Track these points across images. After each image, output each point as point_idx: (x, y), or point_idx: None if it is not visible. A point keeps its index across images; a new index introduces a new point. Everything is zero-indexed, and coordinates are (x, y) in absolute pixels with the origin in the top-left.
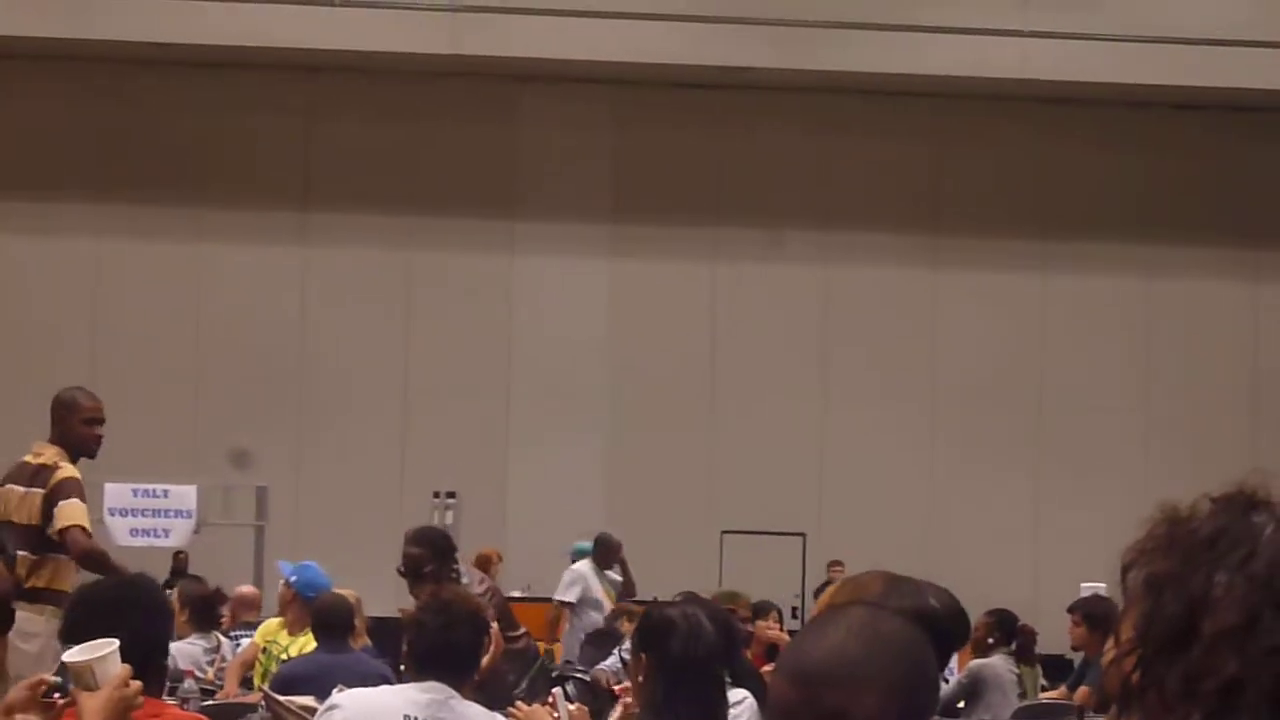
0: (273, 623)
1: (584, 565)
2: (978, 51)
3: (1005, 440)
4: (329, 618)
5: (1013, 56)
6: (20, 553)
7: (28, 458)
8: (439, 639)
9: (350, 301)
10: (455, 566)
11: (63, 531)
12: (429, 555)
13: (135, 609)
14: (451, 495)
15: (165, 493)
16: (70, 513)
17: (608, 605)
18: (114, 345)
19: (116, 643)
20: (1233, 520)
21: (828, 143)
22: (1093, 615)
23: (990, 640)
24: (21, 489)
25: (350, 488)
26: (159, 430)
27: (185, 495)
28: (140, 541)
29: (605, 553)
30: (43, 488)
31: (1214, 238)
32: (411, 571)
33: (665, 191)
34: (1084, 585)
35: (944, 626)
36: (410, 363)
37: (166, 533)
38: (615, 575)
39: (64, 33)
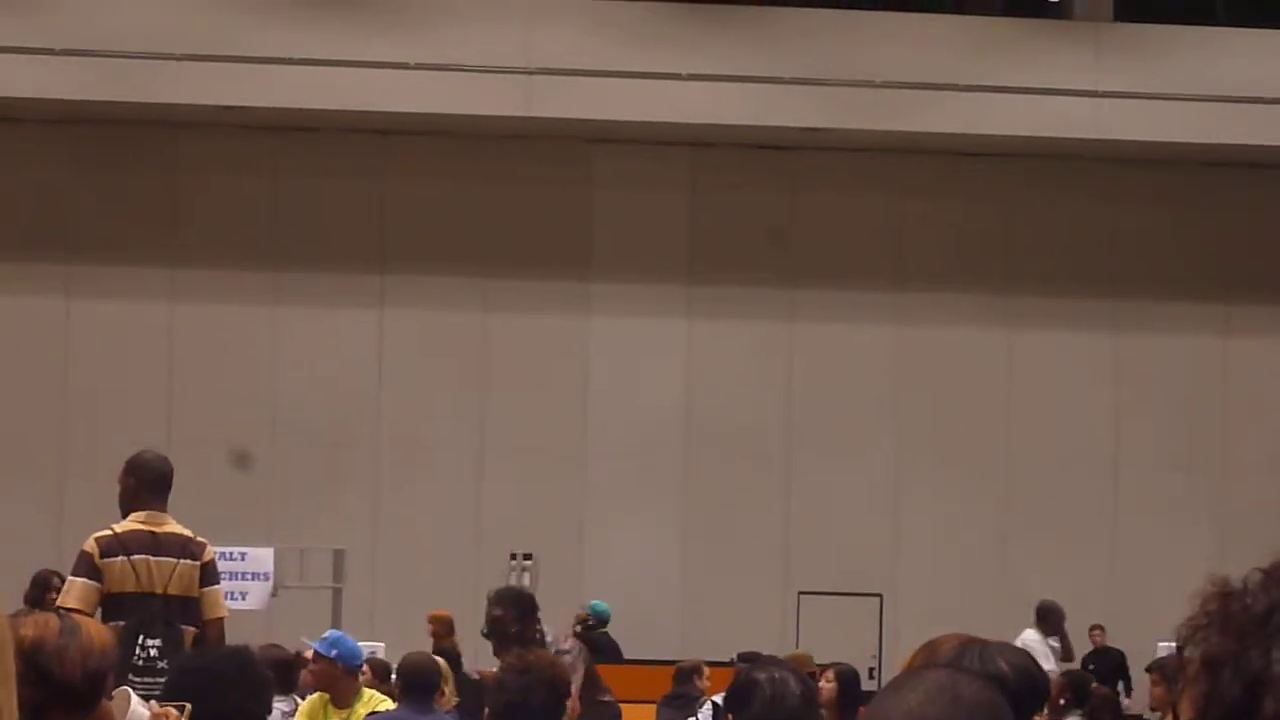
0: (315, 701)
1: (1031, 634)
2: (1051, 111)
3: (1078, 502)
4: (418, 677)
5: (1086, 117)
6: (188, 628)
7: (165, 527)
8: (518, 699)
9: (426, 363)
10: (539, 626)
11: (217, 621)
12: (514, 616)
13: (235, 683)
14: (528, 557)
15: (243, 555)
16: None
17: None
18: (190, 408)
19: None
20: None
21: (902, 203)
22: (1175, 674)
23: (1062, 701)
24: (173, 560)
25: (427, 550)
26: (236, 492)
27: (263, 558)
28: None
29: (1051, 620)
30: (195, 560)
31: None
32: (496, 632)
33: (740, 252)
34: (1160, 644)
35: (1013, 689)
36: (486, 424)
37: (244, 595)
38: (1054, 642)
39: (133, 96)
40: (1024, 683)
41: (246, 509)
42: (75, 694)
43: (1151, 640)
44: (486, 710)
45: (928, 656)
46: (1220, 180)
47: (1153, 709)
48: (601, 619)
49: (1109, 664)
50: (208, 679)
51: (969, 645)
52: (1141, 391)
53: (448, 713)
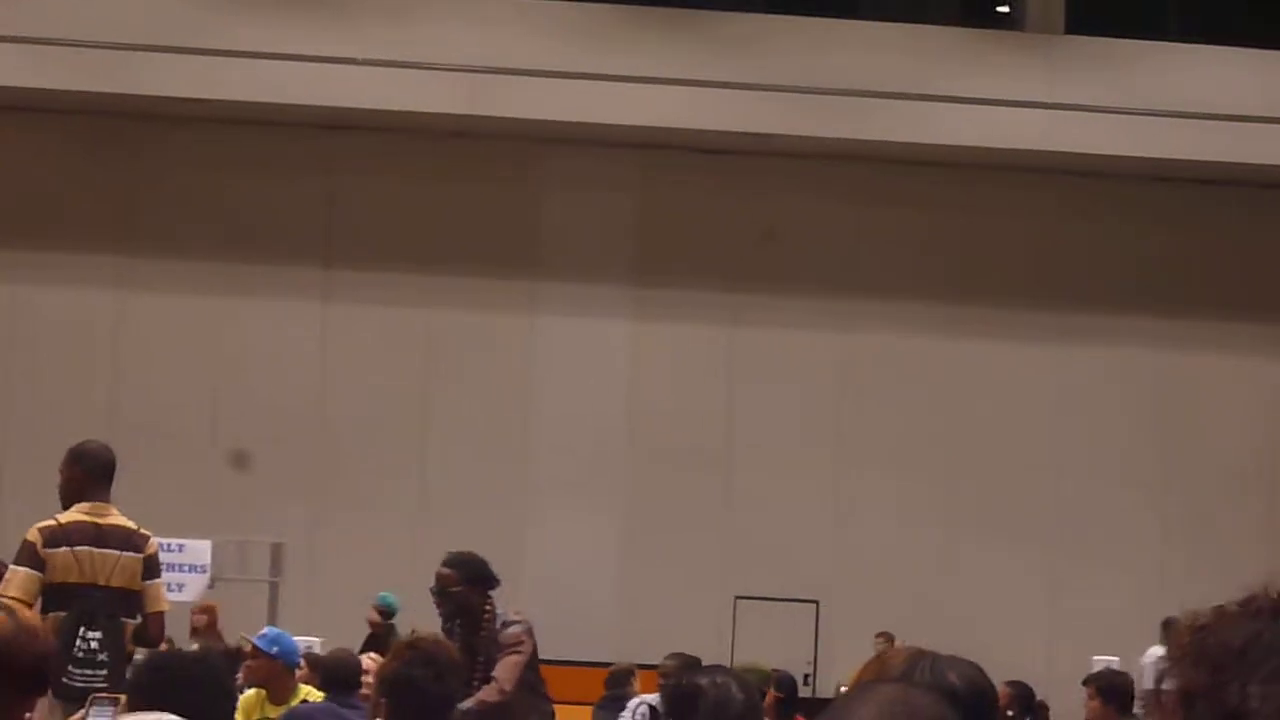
0: (252, 696)
1: (1159, 650)
2: (1002, 123)
3: (1020, 511)
4: (340, 671)
5: (1037, 128)
6: (128, 620)
7: (108, 519)
8: (433, 693)
9: (370, 358)
10: (490, 601)
11: (158, 615)
12: (458, 577)
13: (200, 687)
14: None
15: (180, 547)
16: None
17: None
18: (134, 397)
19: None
20: (1263, 627)
21: (851, 210)
22: (1108, 688)
23: (1010, 713)
24: (116, 552)
25: (366, 546)
26: (174, 484)
27: (200, 550)
28: None
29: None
30: (138, 552)
31: (1234, 314)
32: (440, 591)
33: (686, 255)
34: (1096, 658)
35: (964, 702)
36: (428, 421)
37: (181, 587)
38: None
39: (85, 86)
40: (974, 695)
41: (185, 500)
42: (29, 680)
43: (1088, 656)
44: (385, 702)
45: (878, 670)
46: (1170, 194)
47: None
48: (390, 611)
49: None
50: (173, 680)
51: (919, 658)
52: (1085, 402)
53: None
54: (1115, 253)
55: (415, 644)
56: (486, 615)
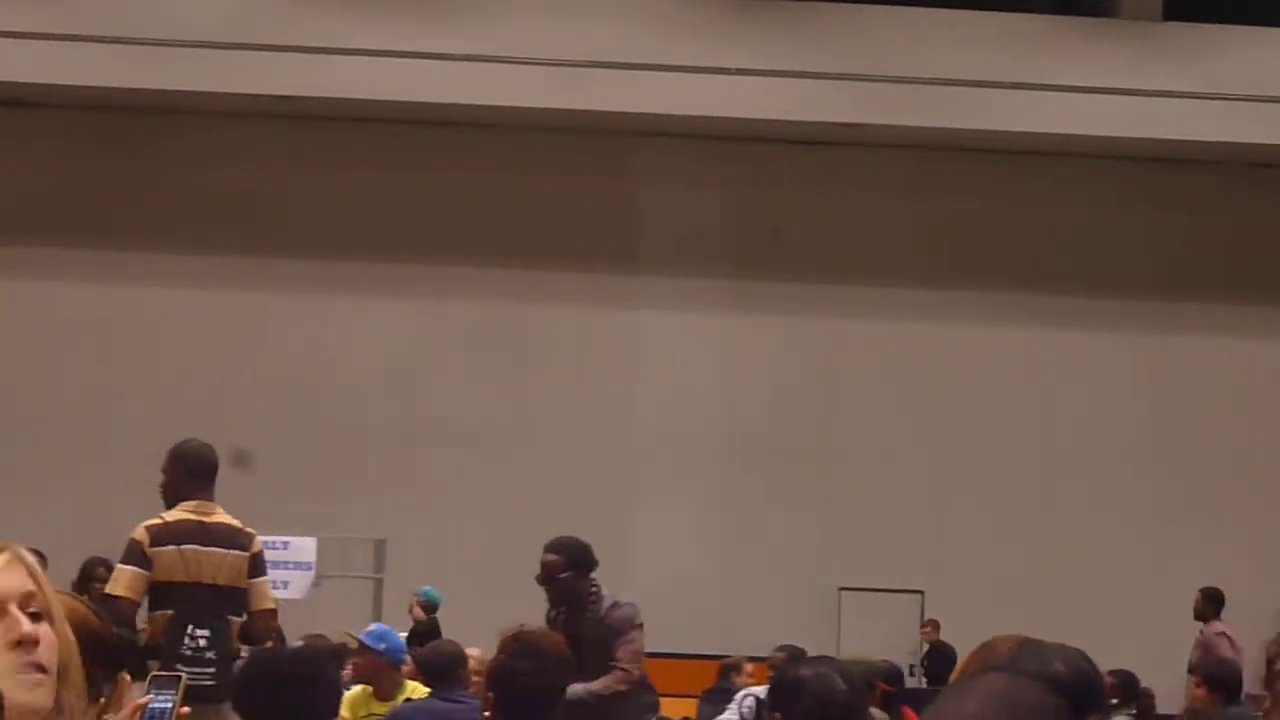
0: (358, 693)
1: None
2: (1098, 110)
3: (1118, 497)
4: (440, 665)
5: (1130, 114)
6: (234, 618)
7: (213, 517)
8: (539, 685)
9: (471, 354)
10: (594, 583)
11: (264, 613)
12: (565, 562)
13: (306, 685)
14: None
15: (285, 544)
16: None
17: None
18: (236, 396)
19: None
20: None
21: (944, 201)
22: (1215, 678)
23: (1114, 701)
24: (222, 550)
25: (469, 541)
26: (278, 482)
27: (305, 547)
28: None
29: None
30: (244, 550)
31: None
32: (547, 579)
33: (784, 247)
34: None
35: (1070, 690)
36: (529, 417)
37: (286, 585)
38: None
39: (172, 85)
40: (1081, 683)
41: (290, 498)
42: (115, 650)
43: (1181, 646)
44: (493, 694)
45: (983, 658)
46: (1267, 181)
47: (1192, 711)
48: (433, 606)
49: (942, 661)
50: (278, 677)
51: (1025, 646)
52: (1180, 395)
53: (475, 697)
54: (1215, 239)
55: (520, 636)
56: (592, 597)
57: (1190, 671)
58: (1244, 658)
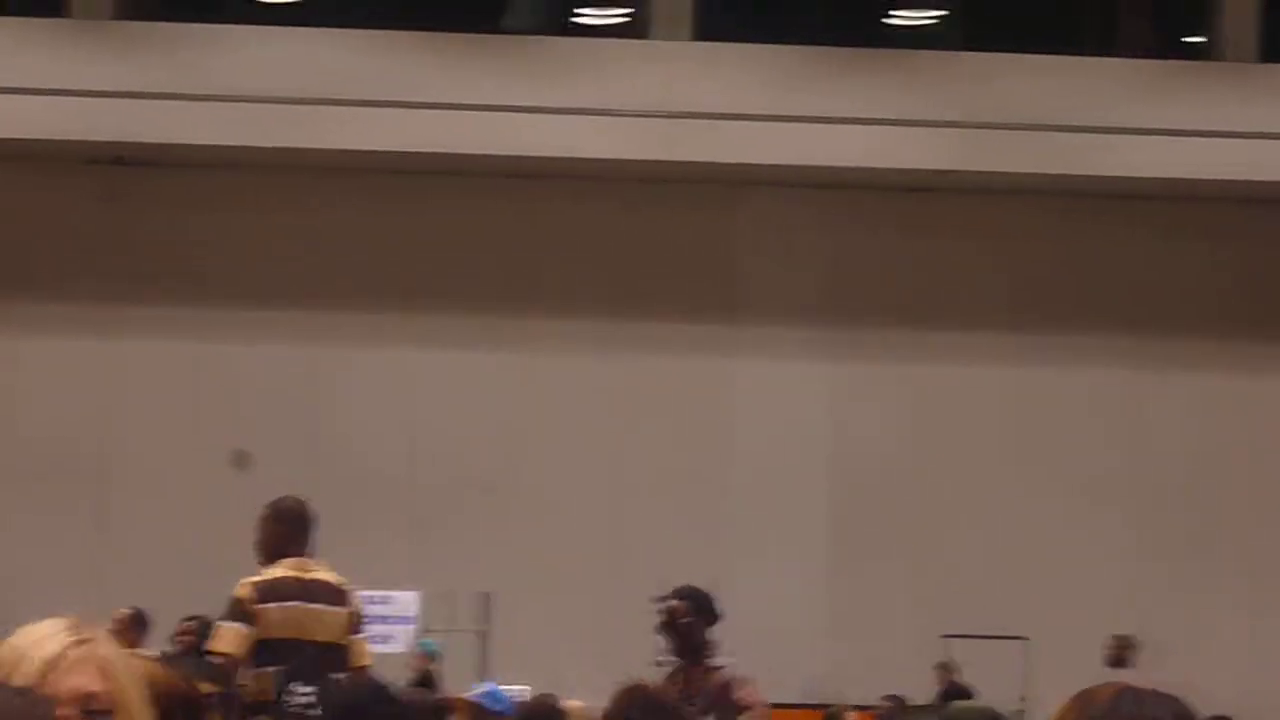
0: None
1: None
2: (1195, 153)
3: (1221, 542)
4: (539, 716)
5: (1231, 158)
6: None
7: (313, 573)
8: None
9: (572, 404)
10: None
11: (364, 669)
12: (690, 608)
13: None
14: None
15: (386, 599)
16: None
17: None
18: (335, 448)
19: None
20: None
21: (1040, 245)
22: None
23: None
24: (324, 607)
25: (570, 592)
26: (381, 536)
27: (407, 601)
28: None
29: None
30: (344, 607)
31: None
32: (669, 626)
33: (883, 295)
34: None
35: None
36: (630, 466)
37: (388, 639)
38: None
39: (271, 142)
40: None
41: (392, 552)
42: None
43: None
44: None
45: (1082, 706)
46: None
47: None
48: (431, 657)
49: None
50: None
51: (1123, 694)
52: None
53: None
54: None
55: (637, 690)
56: (709, 648)
57: None
58: None
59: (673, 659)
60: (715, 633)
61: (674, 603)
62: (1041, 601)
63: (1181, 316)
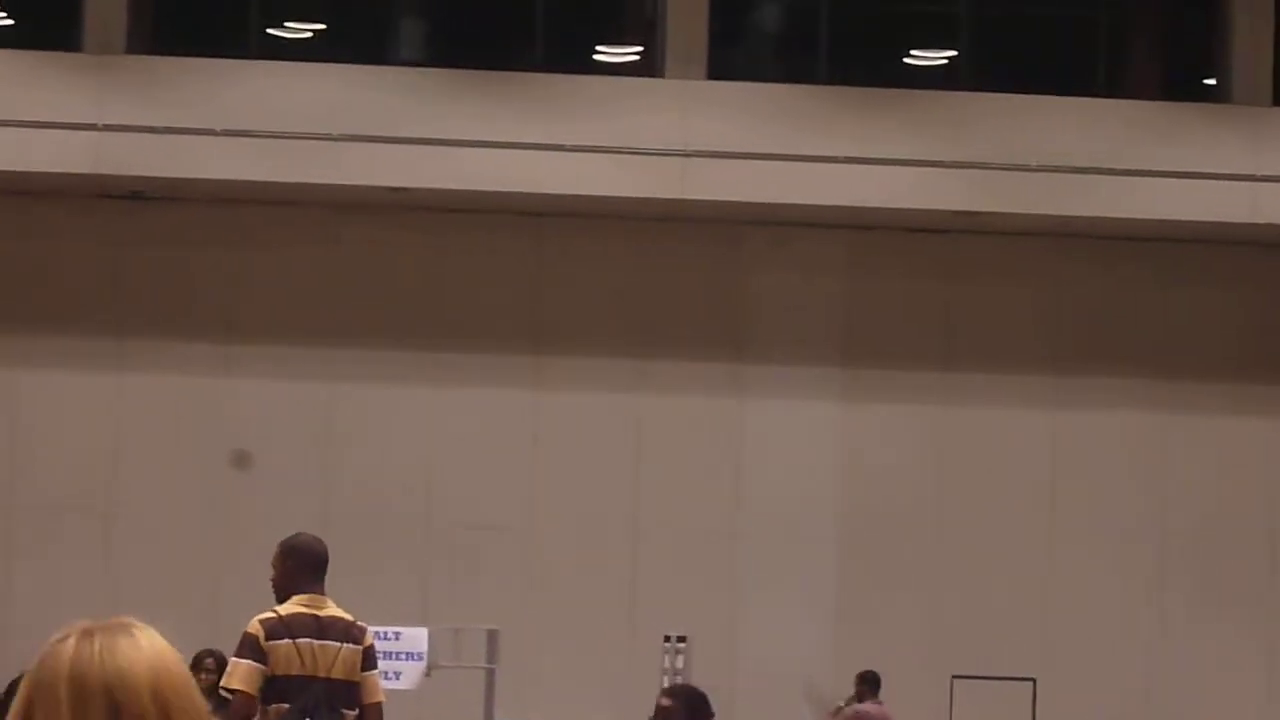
0: None
1: None
2: (1207, 196)
3: (1237, 584)
4: None
5: (1243, 201)
6: (348, 712)
7: (326, 610)
8: None
9: (580, 443)
10: None
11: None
12: (679, 708)
13: None
14: (682, 639)
15: (397, 635)
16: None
17: None
18: (347, 485)
19: None
20: None
21: (1058, 288)
22: None
23: None
24: (337, 644)
25: (580, 631)
26: (394, 573)
27: (416, 638)
28: None
29: None
30: (357, 644)
31: None
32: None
33: (895, 336)
34: None
35: None
36: (639, 505)
37: (398, 675)
38: None
39: (291, 177)
40: None
41: (400, 588)
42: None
43: None
44: None
45: None
46: None
47: None
48: None
49: None
50: None
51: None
52: None
53: None
54: None
55: None
56: None
57: None
58: None
59: None
60: None
61: (666, 702)
62: (1053, 643)
63: (1200, 359)
